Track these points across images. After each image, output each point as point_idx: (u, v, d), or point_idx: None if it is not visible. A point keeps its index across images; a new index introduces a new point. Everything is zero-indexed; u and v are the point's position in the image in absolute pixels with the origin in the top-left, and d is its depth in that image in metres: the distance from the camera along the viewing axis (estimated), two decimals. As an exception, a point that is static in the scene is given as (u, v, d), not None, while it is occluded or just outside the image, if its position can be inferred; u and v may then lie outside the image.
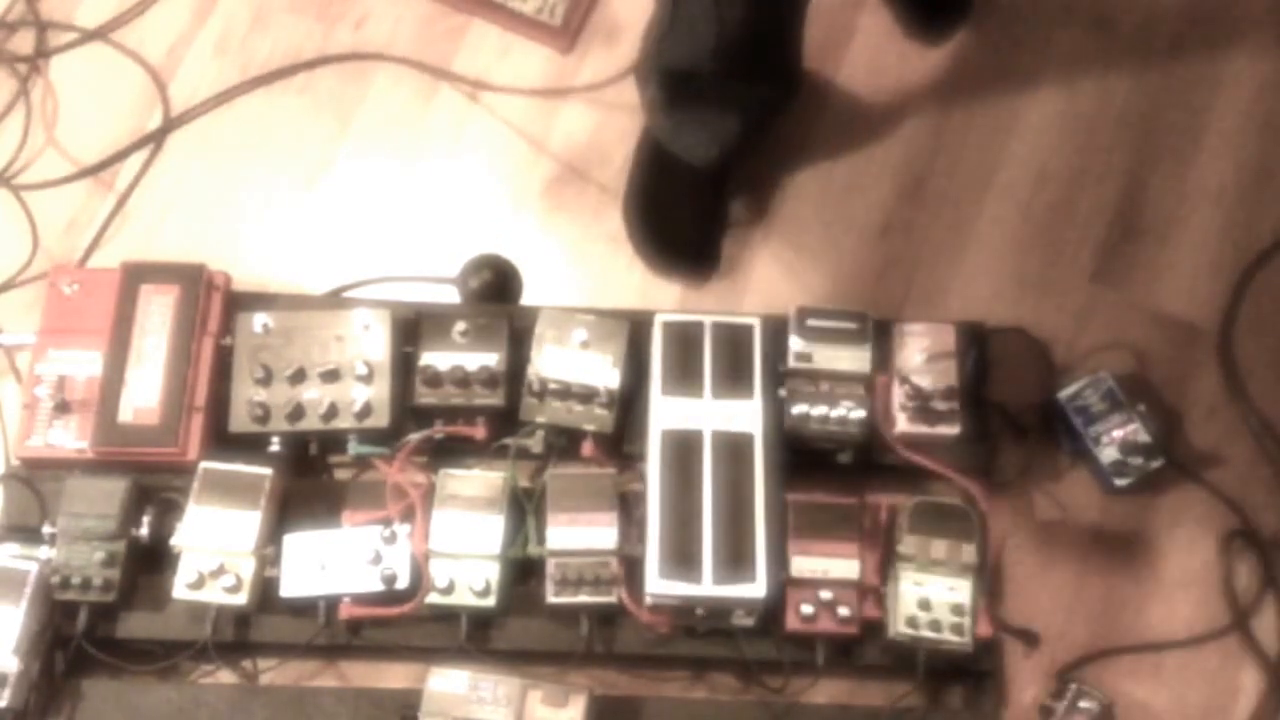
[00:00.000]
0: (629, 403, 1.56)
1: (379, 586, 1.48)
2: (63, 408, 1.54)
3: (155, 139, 1.82)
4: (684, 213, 1.75)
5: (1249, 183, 1.81)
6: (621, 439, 1.57)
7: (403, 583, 1.48)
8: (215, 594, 1.46)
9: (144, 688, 1.51)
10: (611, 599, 1.48)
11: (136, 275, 1.59)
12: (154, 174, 1.81)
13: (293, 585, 1.48)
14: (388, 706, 1.48)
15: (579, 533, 1.48)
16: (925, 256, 1.77)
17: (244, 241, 1.77)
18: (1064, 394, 1.63)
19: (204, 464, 1.50)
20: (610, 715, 1.48)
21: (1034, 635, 1.57)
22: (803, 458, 1.54)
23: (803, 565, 1.48)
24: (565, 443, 1.56)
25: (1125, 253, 1.78)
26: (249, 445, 1.54)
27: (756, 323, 1.57)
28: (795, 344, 1.55)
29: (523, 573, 1.52)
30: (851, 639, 1.50)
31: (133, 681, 1.51)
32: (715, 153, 1.70)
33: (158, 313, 1.57)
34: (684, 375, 1.54)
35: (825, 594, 1.47)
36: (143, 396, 1.53)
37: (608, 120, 1.81)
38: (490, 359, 1.56)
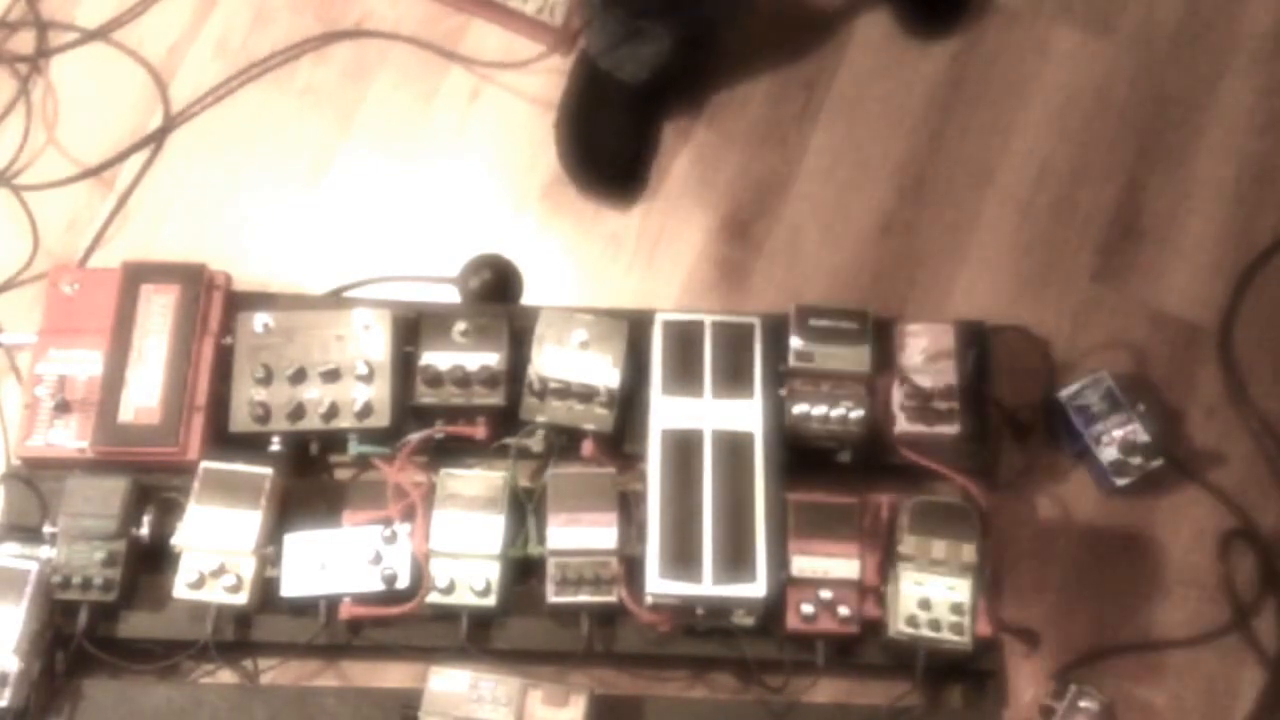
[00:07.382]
0: (629, 402, 1.56)
1: (379, 586, 1.48)
2: (63, 407, 1.54)
3: (156, 139, 1.82)
4: (613, 130, 1.75)
5: (1249, 183, 1.81)
6: (621, 439, 1.57)
7: (403, 582, 1.48)
8: (216, 594, 1.46)
9: (144, 687, 1.51)
10: (612, 599, 1.48)
11: (137, 275, 1.60)
12: (154, 174, 1.81)
13: (293, 585, 1.48)
14: (388, 706, 1.48)
15: (579, 532, 1.48)
16: (925, 256, 1.77)
17: (244, 241, 1.77)
18: (1064, 393, 1.63)
19: (204, 464, 1.50)
20: (610, 715, 1.48)
21: (1034, 635, 1.57)
22: (803, 457, 1.55)
23: (803, 565, 1.48)
24: (565, 442, 1.56)
25: (1125, 253, 1.78)
26: (249, 445, 1.54)
27: (756, 322, 1.57)
28: (795, 343, 1.55)
29: (523, 572, 1.52)
30: (851, 638, 1.50)
31: (133, 681, 1.51)
32: (646, 74, 1.71)
33: (158, 312, 1.57)
34: (684, 375, 1.53)
35: (825, 594, 1.48)
36: (143, 396, 1.53)
37: (608, 120, 1.81)
38: (490, 359, 1.56)
